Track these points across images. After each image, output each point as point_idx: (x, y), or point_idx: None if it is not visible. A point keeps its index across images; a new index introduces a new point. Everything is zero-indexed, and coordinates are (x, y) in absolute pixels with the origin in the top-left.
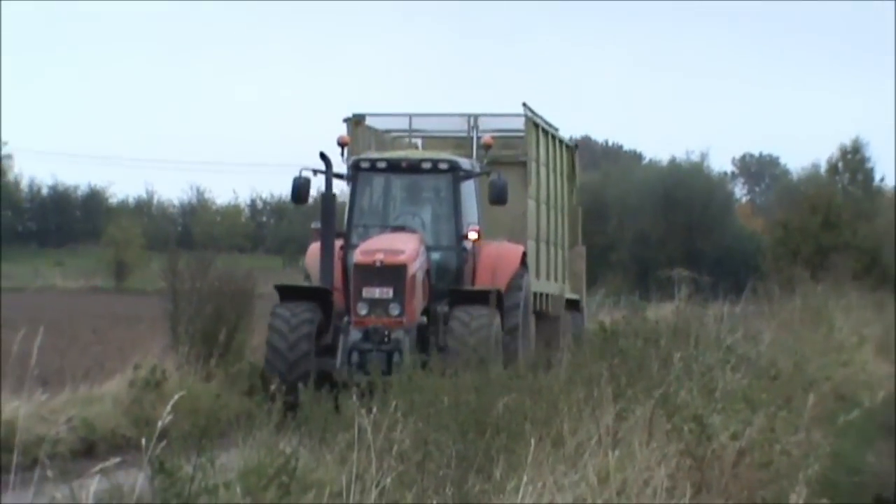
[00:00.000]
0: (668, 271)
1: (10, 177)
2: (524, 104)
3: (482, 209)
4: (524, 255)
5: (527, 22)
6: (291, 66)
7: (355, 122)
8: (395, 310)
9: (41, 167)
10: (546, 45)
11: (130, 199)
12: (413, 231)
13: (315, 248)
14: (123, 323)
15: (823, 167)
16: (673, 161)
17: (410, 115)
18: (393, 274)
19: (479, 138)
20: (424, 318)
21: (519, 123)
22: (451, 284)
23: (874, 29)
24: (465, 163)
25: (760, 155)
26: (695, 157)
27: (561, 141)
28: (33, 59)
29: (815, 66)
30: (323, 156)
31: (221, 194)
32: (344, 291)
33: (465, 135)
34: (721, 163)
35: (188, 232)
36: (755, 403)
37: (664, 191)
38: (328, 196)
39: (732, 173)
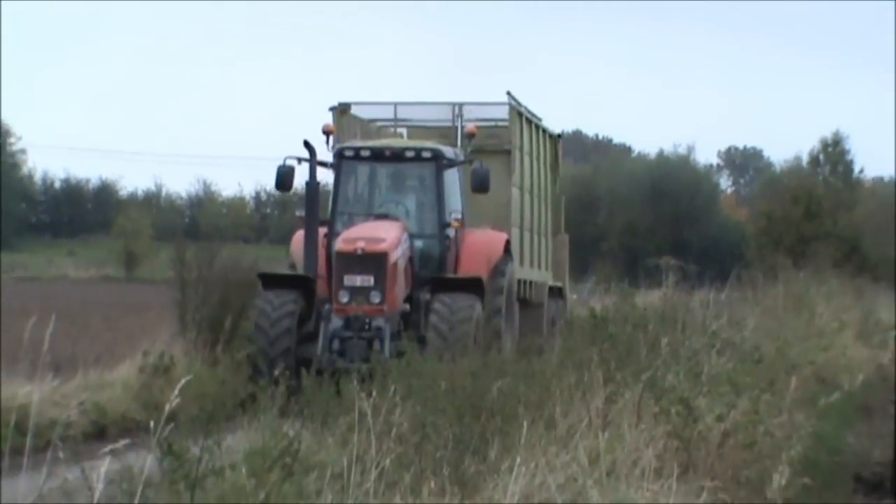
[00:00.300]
0: (656, 260)
1: (24, 170)
2: (508, 93)
3: (466, 197)
4: (508, 242)
5: (519, 17)
6: (293, 61)
7: (341, 111)
8: (375, 297)
9: (54, 161)
10: (538, 41)
11: (139, 192)
12: (396, 219)
13: (300, 236)
14: (133, 311)
15: (805, 159)
16: (661, 154)
17: (395, 104)
18: (374, 262)
19: (463, 127)
20: (407, 306)
21: (503, 113)
22: (435, 272)
23: (853, 26)
24: (448, 151)
25: (745, 148)
26: (682, 151)
27: (544, 130)
28: (44, 57)
29: (796, 62)
30: (307, 144)
31: (227, 187)
32: (328, 279)
33: (449, 124)
34: (707, 155)
35: (195, 223)
36: (739, 386)
37: (652, 182)
38: (311, 184)
39: (718, 165)
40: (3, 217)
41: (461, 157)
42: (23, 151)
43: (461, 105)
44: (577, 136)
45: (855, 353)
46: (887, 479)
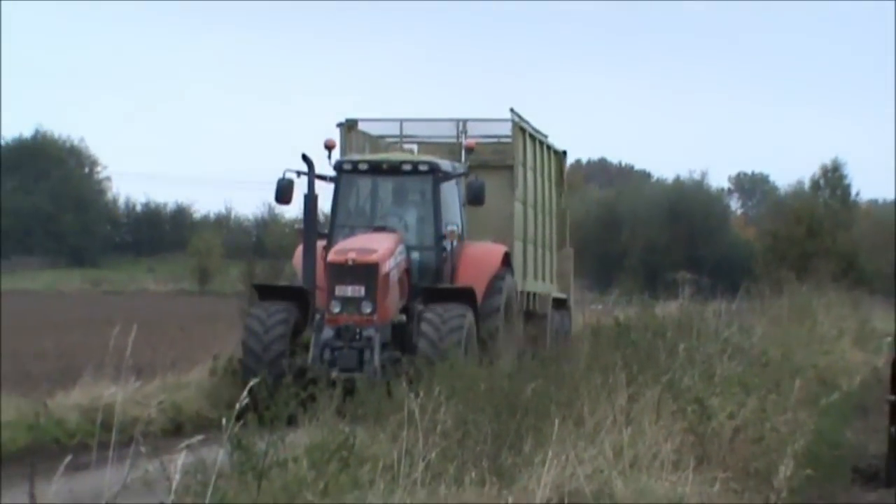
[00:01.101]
0: (673, 274)
1: (109, 196)
2: (511, 110)
3: (467, 210)
4: (506, 255)
5: (553, 56)
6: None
7: (348, 127)
8: (366, 308)
9: (135, 187)
10: (568, 77)
11: (211, 215)
12: (393, 231)
13: (302, 248)
14: (205, 321)
15: (807, 183)
16: (677, 179)
17: (401, 120)
18: (365, 272)
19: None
20: (404, 317)
21: (507, 129)
22: (432, 283)
23: (850, 62)
24: (444, 164)
25: (752, 173)
26: (696, 176)
27: (549, 147)
28: (126, 92)
29: (799, 95)
30: (305, 157)
31: (289, 210)
32: (326, 290)
33: (454, 140)
34: (719, 180)
35: (261, 242)
36: (749, 387)
37: (670, 205)
38: (310, 197)
39: (728, 189)
40: (91, 237)
41: (459, 171)
42: (108, 179)
43: (465, 121)
44: (603, 163)
45: (852, 357)
46: (882, 471)
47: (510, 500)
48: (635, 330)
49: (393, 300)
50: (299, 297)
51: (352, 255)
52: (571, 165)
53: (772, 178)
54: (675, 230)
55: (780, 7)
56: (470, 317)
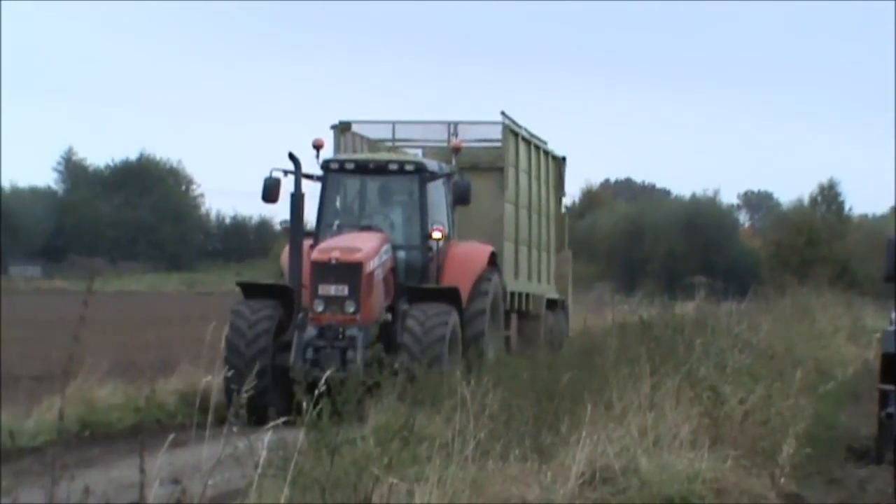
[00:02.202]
0: (690, 278)
1: (203, 210)
2: (502, 112)
3: (455, 211)
4: (493, 255)
5: (585, 85)
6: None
7: (342, 129)
8: (350, 307)
9: (225, 203)
10: (597, 104)
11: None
12: (379, 231)
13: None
14: None
15: (806, 200)
16: (693, 196)
17: (394, 123)
18: (348, 272)
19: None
20: (390, 316)
21: (499, 131)
22: (418, 283)
23: (847, 87)
24: (431, 164)
25: (758, 191)
26: (709, 193)
27: (546, 153)
28: (220, 120)
29: (799, 121)
30: (291, 156)
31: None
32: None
33: (444, 143)
34: (729, 197)
35: None
36: (756, 377)
37: (686, 218)
38: (296, 196)
39: (738, 205)
40: (186, 246)
41: (445, 171)
42: (202, 195)
43: (456, 124)
44: (629, 181)
45: (846, 351)
46: (872, 450)
47: (549, 474)
48: (657, 327)
49: (377, 299)
50: (285, 296)
51: (335, 254)
52: (602, 185)
53: (775, 195)
54: (692, 240)
55: (785, 40)
56: (454, 316)
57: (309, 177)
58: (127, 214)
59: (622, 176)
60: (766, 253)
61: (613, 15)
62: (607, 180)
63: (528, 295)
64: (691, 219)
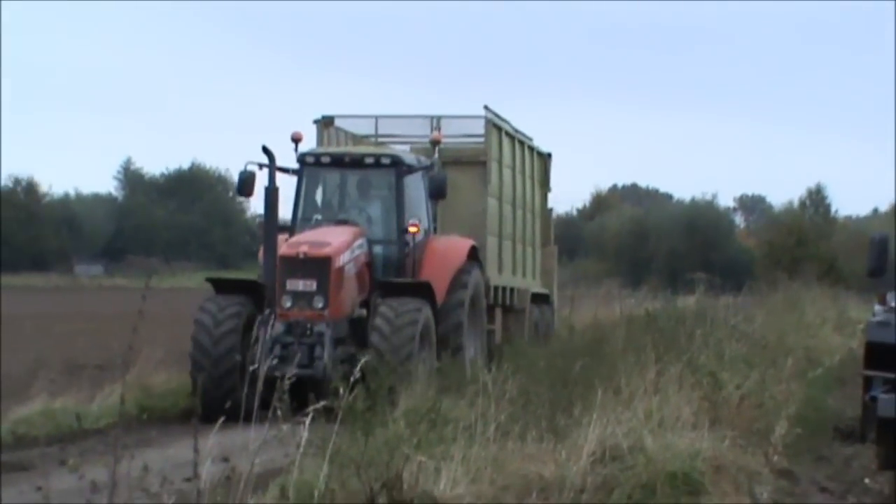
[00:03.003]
0: (691, 274)
1: (248, 214)
2: (485, 107)
3: (443, 205)
4: (473, 248)
5: (594, 94)
6: None
7: (325, 123)
8: (318, 302)
9: None
10: (605, 115)
11: None
12: (354, 224)
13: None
14: None
15: (796, 203)
16: (693, 199)
17: (377, 117)
18: (316, 266)
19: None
20: (364, 311)
21: (482, 126)
22: (394, 278)
23: (833, 100)
24: (408, 158)
25: (752, 195)
26: (707, 197)
27: (532, 148)
28: (265, 133)
29: (788, 130)
30: (265, 149)
31: None
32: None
33: (427, 138)
34: (726, 200)
35: None
36: (751, 364)
37: (687, 220)
38: (270, 189)
39: (733, 208)
40: (234, 246)
41: (423, 164)
42: (247, 201)
43: (439, 118)
44: (634, 187)
45: (833, 340)
46: (856, 430)
47: (563, 453)
48: (661, 319)
49: (348, 295)
50: (255, 292)
51: (303, 249)
52: (610, 190)
53: (768, 199)
54: (692, 240)
55: (777, 58)
56: (426, 311)
57: (285, 170)
58: (180, 218)
59: (628, 181)
60: (759, 251)
61: (625, 36)
62: (615, 185)
63: (512, 289)
64: (691, 220)
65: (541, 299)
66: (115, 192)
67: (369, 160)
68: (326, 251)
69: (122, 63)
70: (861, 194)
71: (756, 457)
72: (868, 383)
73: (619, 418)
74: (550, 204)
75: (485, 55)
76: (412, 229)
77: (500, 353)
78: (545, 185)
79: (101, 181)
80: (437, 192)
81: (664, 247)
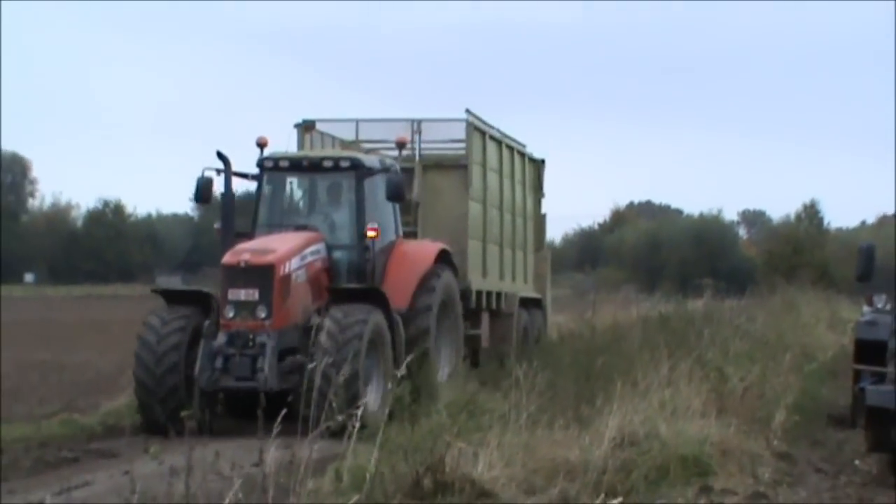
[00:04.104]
0: (699, 281)
1: None
2: (467, 110)
3: (425, 208)
4: (443, 252)
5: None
6: None
7: (305, 127)
8: (261, 312)
9: None
10: (625, 138)
11: None
12: (313, 230)
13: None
14: None
15: (792, 216)
16: (701, 214)
17: (357, 121)
18: (258, 275)
19: (420, 144)
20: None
21: (464, 129)
22: (357, 283)
23: (826, 119)
24: (367, 160)
25: (754, 209)
26: (714, 212)
27: (522, 154)
28: None
29: (785, 150)
30: (220, 155)
31: None
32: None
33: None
34: (730, 214)
35: None
36: (754, 359)
37: (696, 232)
38: (227, 195)
39: (737, 221)
40: None
41: (383, 166)
42: None
43: (420, 121)
44: (649, 203)
45: (826, 338)
46: (848, 417)
47: (587, 439)
48: (673, 320)
49: (297, 303)
50: (206, 303)
51: (245, 257)
52: (627, 206)
53: (768, 213)
54: (700, 250)
55: (777, 83)
56: (375, 318)
57: (244, 176)
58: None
59: (643, 198)
60: (760, 260)
61: (641, 67)
62: (631, 202)
63: (499, 293)
64: (699, 233)
65: (532, 304)
66: (191, 213)
67: (328, 163)
68: (269, 259)
69: (192, 94)
70: (850, 208)
71: (758, 441)
72: (858, 376)
73: (636, 408)
74: (545, 209)
75: (510, 82)
76: (370, 233)
77: (488, 357)
78: (538, 190)
79: (180, 202)
80: (394, 195)
81: (675, 256)
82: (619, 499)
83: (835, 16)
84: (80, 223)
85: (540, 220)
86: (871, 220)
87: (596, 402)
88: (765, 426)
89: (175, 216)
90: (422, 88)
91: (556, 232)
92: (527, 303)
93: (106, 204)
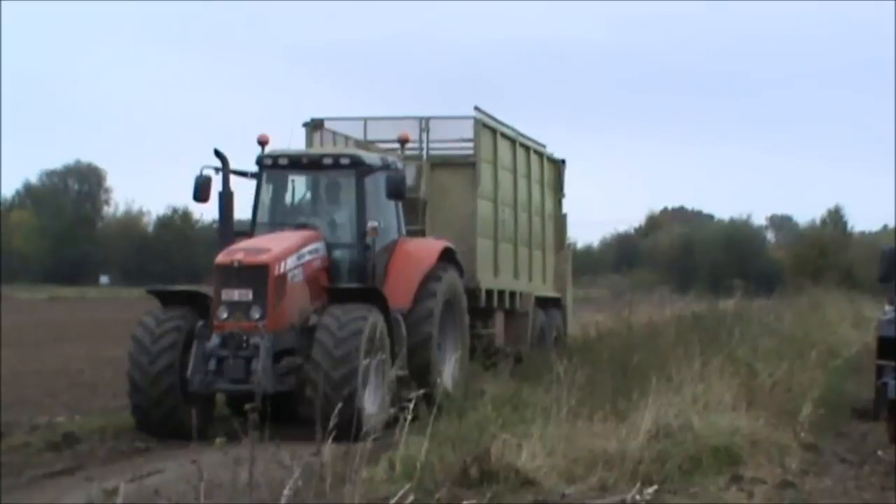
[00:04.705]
0: (730, 282)
1: None
2: (476, 107)
3: (432, 206)
4: (447, 250)
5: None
6: None
7: (314, 126)
8: (255, 313)
9: None
10: (660, 148)
11: None
12: (313, 228)
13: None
14: None
15: (818, 221)
16: (731, 219)
17: (365, 119)
18: (253, 275)
19: (429, 142)
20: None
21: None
22: (359, 283)
23: (847, 132)
24: (368, 157)
25: (781, 214)
26: (743, 217)
27: (540, 154)
28: None
29: (812, 157)
30: (217, 153)
31: None
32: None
33: (416, 140)
34: (759, 219)
35: None
36: (782, 356)
37: (726, 236)
38: (224, 194)
39: (765, 226)
40: None
41: (384, 163)
42: None
43: (428, 119)
44: (682, 209)
45: (850, 335)
46: (870, 410)
47: (624, 431)
48: (705, 319)
49: (293, 304)
50: (202, 304)
51: (238, 256)
52: (661, 211)
53: (794, 218)
54: (730, 253)
55: (805, 97)
56: (373, 318)
57: (242, 174)
58: None
59: (677, 204)
60: (787, 262)
61: (677, 83)
62: (665, 208)
63: (513, 292)
64: (730, 237)
65: (550, 303)
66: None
67: (328, 161)
68: (263, 258)
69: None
70: (873, 213)
71: (786, 433)
72: (880, 371)
73: (670, 402)
74: (565, 209)
75: (551, 97)
76: (370, 231)
77: (504, 356)
78: (558, 190)
79: (242, 209)
80: (394, 193)
81: (707, 259)
82: (655, 487)
83: (849, 32)
84: (150, 229)
85: (560, 220)
86: (892, 224)
87: (632, 395)
88: (792, 419)
89: (238, 221)
90: (469, 101)
91: (594, 236)
92: (544, 302)
93: (174, 211)
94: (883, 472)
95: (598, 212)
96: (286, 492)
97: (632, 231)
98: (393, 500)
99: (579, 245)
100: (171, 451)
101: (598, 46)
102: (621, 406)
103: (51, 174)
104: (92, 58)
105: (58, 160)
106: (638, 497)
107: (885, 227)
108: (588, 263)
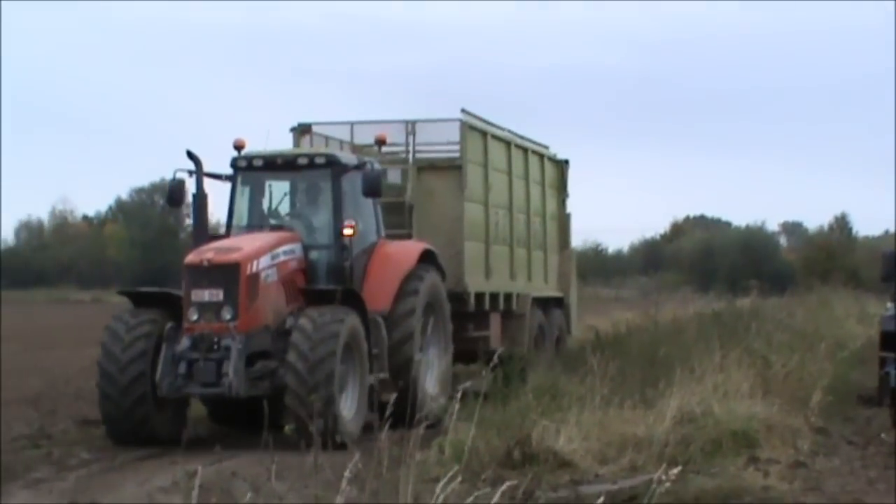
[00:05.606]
0: (746, 282)
1: None
2: (462, 110)
3: (419, 209)
4: (427, 252)
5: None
6: None
7: (302, 130)
8: (226, 314)
9: None
10: (684, 159)
11: None
12: (289, 230)
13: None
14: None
15: (826, 227)
16: (747, 226)
17: (352, 123)
18: (223, 274)
19: (415, 145)
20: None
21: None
22: (337, 284)
23: (854, 144)
24: (344, 157)
25: (792, 221)
26: (758, 223)
27: (540, 154)
28: None
29: (820, 165)
30: (191, 155)
31: None
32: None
33: (402, 143)
34: (772, 226)
35: None
36: (794, 348)
37: (743, 241)
38: (198, 196)
39: (778, 231)
40: None
41: (361, 162)
42: None
43: (414, 122)
44: (703, 217)
45: (856, 330)
46: (875, 397)
47: (651, 417)
48: (724, 316)
49: (267, 305)
50: (176, 305)
51: (208, 256)
52: (684, 219)
53: (804, 224)
54: (747, 256)
55: (815, 109)
56: (350, 320)
57: (216, 176)
58: None
59: (698, 212)
60: (798, 264)
61: (697, 102)
62: (688, 216)
63: (508, 294)
64: (746, 242)
65: (551, 303)
66: None
67: (303, 161)
68: (234, 257)
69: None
70: (876, 219)
71: (798, 418)
72: (883, 362)
73: (693, 391)
74: (569, 209)
75: (577, 117)
76: (347, 231)
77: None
78: (561, 190)
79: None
80: (370, 190)
81: (726, 262)
82: (679, 468)
83: (847, 55)
84: None
85: (564, 220)
86: (893, 229)
87: (659, 385)
88: (803, 405)
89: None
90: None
91: (623, 241)
92: (545, 302)
93: None
94: (886, 452)
95: (625, 219)
96: (346, 473)
97: (658, 237)
98: (443, 481)
99: (610, 250)
100: (245, 437)
101: (616, 71)
102: (649, 395)
103: (139, 191)
104: (183, 71)
105: (145, 178)
106: (664, 477)
107: (887, 231)
108: (618, 266)
